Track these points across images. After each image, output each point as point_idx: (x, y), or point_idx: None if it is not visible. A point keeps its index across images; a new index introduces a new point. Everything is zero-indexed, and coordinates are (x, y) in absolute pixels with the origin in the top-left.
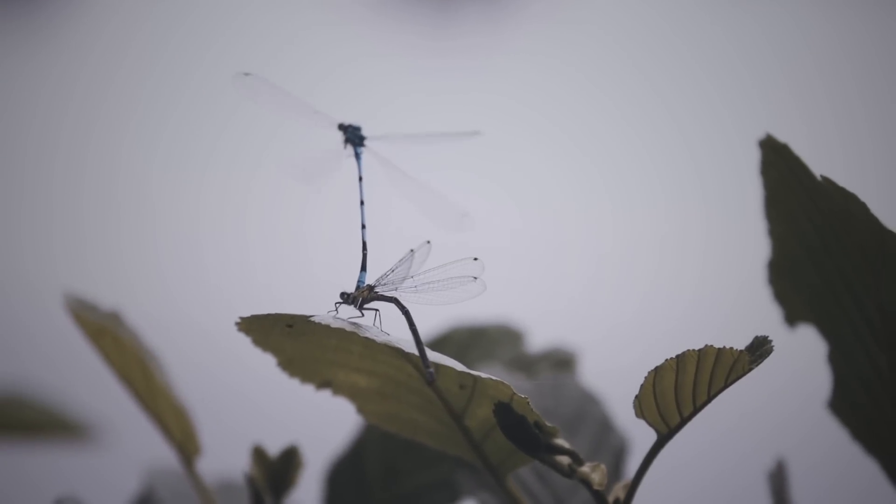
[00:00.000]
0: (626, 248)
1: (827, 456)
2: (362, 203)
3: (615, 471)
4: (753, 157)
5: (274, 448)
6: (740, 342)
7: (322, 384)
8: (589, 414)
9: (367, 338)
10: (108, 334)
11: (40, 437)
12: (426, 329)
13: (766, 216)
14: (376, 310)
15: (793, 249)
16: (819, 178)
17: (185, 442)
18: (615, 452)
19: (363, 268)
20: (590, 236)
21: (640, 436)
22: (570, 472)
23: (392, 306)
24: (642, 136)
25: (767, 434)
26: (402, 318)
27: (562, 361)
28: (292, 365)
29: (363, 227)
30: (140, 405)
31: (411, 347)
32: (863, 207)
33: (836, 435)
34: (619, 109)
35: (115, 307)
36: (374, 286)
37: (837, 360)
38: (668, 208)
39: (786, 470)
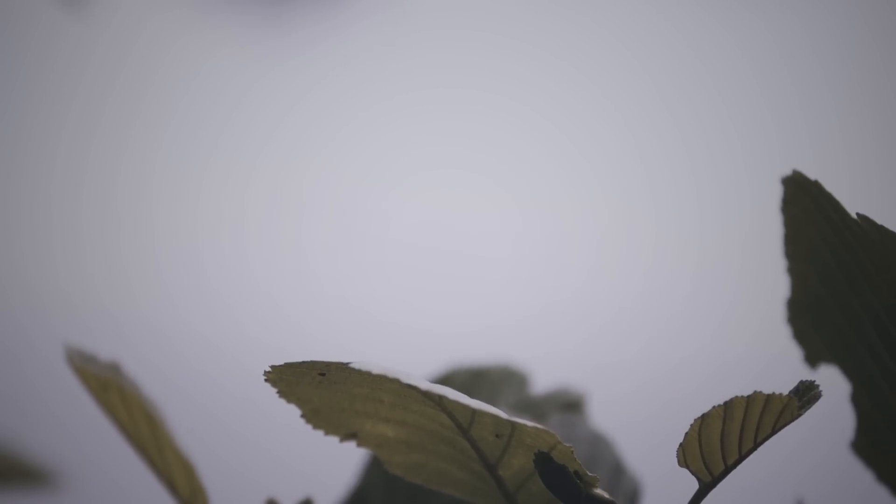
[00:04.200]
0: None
1: (850, 498)
2: None
3: None
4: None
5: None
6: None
7: (347, 436)
8: (601, 457)
9: (409, 385)
10: (113, 388)
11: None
12: (424, 372)
13: (786, 253)
14: None
15: (814, 287)
16: (854, 216)
17: (192, 499)
18: (628, 496)
19: None
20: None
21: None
22: None
23: None
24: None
25: (787, 475)
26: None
27: (569, 403)
28: (318, 416)
29: None
30: (147, 460)
31: (455, 395)
32: None
33: (860, 476)
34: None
35: (114, 358)
36: None
37: (862, 399)
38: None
39: None
